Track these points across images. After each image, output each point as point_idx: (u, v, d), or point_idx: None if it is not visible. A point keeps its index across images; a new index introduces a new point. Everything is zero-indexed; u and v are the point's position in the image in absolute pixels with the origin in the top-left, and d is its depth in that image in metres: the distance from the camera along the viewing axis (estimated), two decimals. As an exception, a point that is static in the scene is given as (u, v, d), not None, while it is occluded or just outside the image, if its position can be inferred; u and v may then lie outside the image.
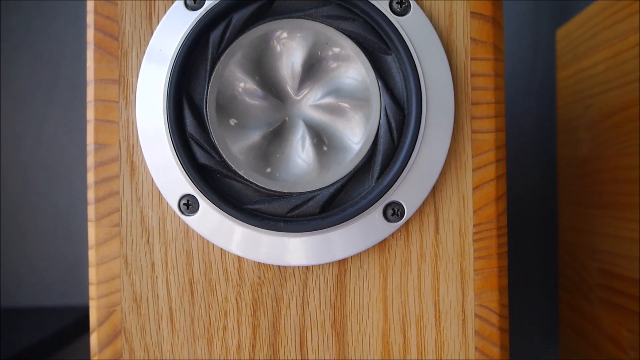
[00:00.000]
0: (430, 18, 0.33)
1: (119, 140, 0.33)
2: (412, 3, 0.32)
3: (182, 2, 0.32)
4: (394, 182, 0.31)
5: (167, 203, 0.33)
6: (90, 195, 0.33)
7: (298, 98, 0.33)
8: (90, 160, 0.33)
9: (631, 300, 0.46)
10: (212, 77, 0.32)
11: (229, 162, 0.32)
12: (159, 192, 0.33)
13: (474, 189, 0.33)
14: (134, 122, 0.33)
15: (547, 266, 0.66)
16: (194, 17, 0.32)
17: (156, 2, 0.33)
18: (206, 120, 0.32)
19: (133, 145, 0.33)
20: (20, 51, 0.70)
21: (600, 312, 0.51)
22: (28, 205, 0.71)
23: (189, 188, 0.32)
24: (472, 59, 0.33)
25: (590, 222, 0.53)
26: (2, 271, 0.71)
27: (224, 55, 0.32)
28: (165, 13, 0.33)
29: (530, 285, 0.67)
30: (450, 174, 0.33)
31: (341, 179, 0.32)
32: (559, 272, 0.61)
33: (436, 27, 0.33)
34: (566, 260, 0.59)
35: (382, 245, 0.33)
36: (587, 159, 0.53)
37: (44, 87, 0.70)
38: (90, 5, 0.33)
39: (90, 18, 0.33)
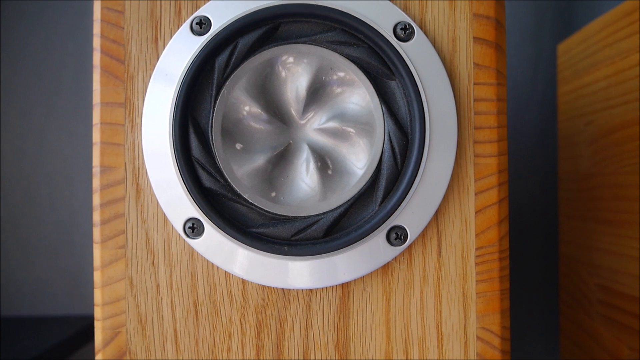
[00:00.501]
0: (434, 43, 0.33)
1: (125, 163, 0.33)
2: (416, 29, 0.32)
3: (188, 27, 0.32)
4: (398, 207, 0.32)
5: (172, 225, 0.33)
6: (96, 217, 0.34)
7: (302, 122, 0.33)
8: (96, 182, 0.34)
9: (632, 318, 0.46)
10: (217, 101, 0.32)
11: (234, 186, 0.32)
12: (164, 214, 0.33)
13: (476, 212, 0.33)
14: (139, 145, 0.33)
15: (548, 278, 0.66)
16: (199, 42, 0.32)
17: (162, 26, 0.33)
18: (211, 144, 0.32)
19: (139, 168, 0.33)
20: (22, 62, 0.70)
21: (600, 327, 0.51)
22: (30, 215, 0.71)
23: (194, 211, 0.32)
24: (475, 83, 0.33)
25: (591, 238, 0.53)
26: (5, 281, 0.71)
27: (230, 80, 0.32)
28: (171, 37, 0.33)
29: (530, 297, 0.67)
30: (453, 198, 0.33)
31: (345, 202, 0.32)
32: (559, 285, 0.61)
33: (439, 52, 0.33)
34: (566, 274, 0.59)
35: (385, 267, 0.33)
36: (587, 175, 0.54)
37: (45, 98, 0.70)
38: (97, 29, 0.34)
39: (96, 41, 0.34)
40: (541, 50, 0.66)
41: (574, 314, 0.57)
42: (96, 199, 0.34)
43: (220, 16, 0.32)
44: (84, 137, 0.70)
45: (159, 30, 0.33)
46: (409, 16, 0.33)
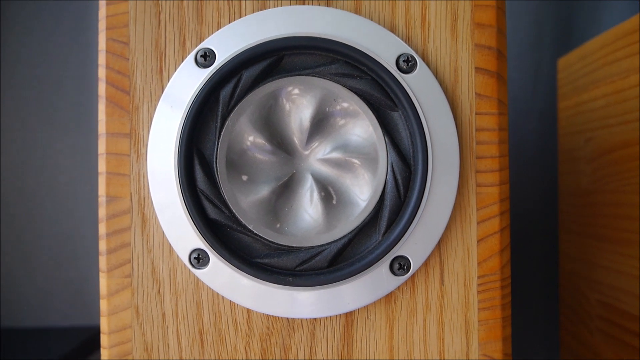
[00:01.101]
0: (436, 73, 0.33)
1: (130, 193, 0.34)
2: (418, 60, 0.33)
3: (193, 59, 0.33)
4: (401, 238, 0.32)
5: (178, 255, 0.33)
6: (102, 246, 0.34)
7: (306, 152, 0.34)
8: (102, 212, 0.34)
9: (632, 336, 0.46)
10: (222, 133, 0.32)
11: (239, 217, 0.32)
12: (170, 244, 0.33)
13: (478, 241, 0.34)
14: (145, 176, 0.34)
15: (549, 291, 0.67)
16: (204, 74, 0.32)
17: (167, 57, 0.34)
18: (216, 175, 0.32)
19: (144, 198, 0.34)
20: (23, 76, 0.70)
21: (601, 343, 0.52)
22: (33, 227, 0.71)
23: (200, 242, 0.32)
24: (476, 113, 0.34)
25: (591, 253, 0.54)
26: (8, 292, 0.71)
27: (234, 112, 0.32)
28: (175, 68, 0.33)
29: (531, 309, 0.68)
30: (456, 227, 0.34)
31: (348, 233, 0.32)
32: (559, 298, 0.62)
33: (442, 83, 0.33)
34: (567, 288, 0.60)
35: (388, 296, 0.34)
36: (588, 191, 0.54)
37: (47, 112, 0.70)
38: (102, 59, 0.34)
39: (101, 72, 0.34)
40: (541, 63, 0.66)
41: (574, 328, 0.58)
42: (102, 229, 0.34)
43: (225, 48, 0.32)
44: (86, 150, 0.70)
45: (163, 61, 0.34)
46: (411, 47, 0.33)
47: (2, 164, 0.70)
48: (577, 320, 0.57)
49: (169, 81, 0.33)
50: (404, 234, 0.32)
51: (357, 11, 0.34)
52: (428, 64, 0.33)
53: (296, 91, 0.33)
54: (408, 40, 0.33)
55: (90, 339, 0.70)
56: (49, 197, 0.71)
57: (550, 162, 0.66)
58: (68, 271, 0.72)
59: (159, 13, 0.34)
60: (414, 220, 0.32)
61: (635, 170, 0.46)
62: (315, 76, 0.32)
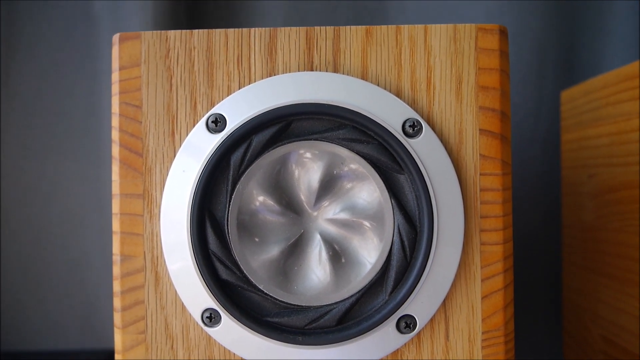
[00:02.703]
0: (441, 135, 0.34)
1: (144, 252, 0.35)
2: (424, 125, 0.33)
3: (204, 124, 0.34)
4: (407, 298, 0.33)
5: (190, 313, 0.34)
6: (117, 303, 0.35)
7: (315, 213, 0.35)
8: (117, 270, 0.35)
9: (633, 375, 0.47)
10: (233, 196, 0.33)
11: (250, 278, 0.33)
12: (182, 302, 0.34)
13: (482, 298, 0.35)
14: (158, 235, 0.35)
15: (552, 323, 0.67)
16: (215, 140, 0.33)
17: (178, 120, 0.35)
18: (227, 237, 0.33)
19: (157, 257, 0.35)
20: (34, 105, 0.71)
21: (603, 378, 0.52)
22: (42, 255, 0.72)
23: (211, 302, 0.33)
24: (481, 174, 0.34)
25: (594, 288, 0.55)
26: (16, 319, 0.73)
27: (244, 175, 0.33)
28: (187, 131, 0.34)
29: (534, 339, 0.69)
30: (460, 284, 0.35)
31: (356, 292, 0.33)
32: (563, 328, 0.63)
33: (447, 144, 0.34)
34: (570, 320, 0.61)
35: (395, 352, 0.34)
36: (591, 227, 0.55)
37: (57, 142, 0.71)
38: (115, 122, 0.35)
39: (115, 134, 0.35)
40: (543, 95, 0.67)
41: (578, 358, 0.59)
42: (117, 286, 0.35)
43: (235, 114, 0.33)
44: (95, 180, 0.71)
45: (175, 124, 0.35)
46: (417, 110, 0.34)
47: (10, 191, 0.71)
48: (580, 352, 0.58)
49: (181, 144, 0.34)
50: (410, 294, 0.33)
51: (364, 75, 0.34)
52: (433, 127, 0.34)
53: (305, 155, 0.34)
54: (414, 103, 0.34)
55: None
56: (58, 224, 0.72)
57: (555, 191, 0.66)
58: (77, 296, 0.73)
59: (171, 77, 0.35)
60: (420, 281, 0.33)
61: (636, 212, 0.47)
62: (324, 141, 0.33)
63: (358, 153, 0.33)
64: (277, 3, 0.70)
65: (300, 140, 0.33)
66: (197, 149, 0.34)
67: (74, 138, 0.72)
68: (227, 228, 0.33)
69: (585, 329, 0.56)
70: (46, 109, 0.71)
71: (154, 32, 0.35)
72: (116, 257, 0.35)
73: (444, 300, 0.34)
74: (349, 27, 0.35)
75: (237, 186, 0.33)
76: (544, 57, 0.68)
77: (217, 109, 0.34)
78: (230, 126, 0.33)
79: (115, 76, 0.35)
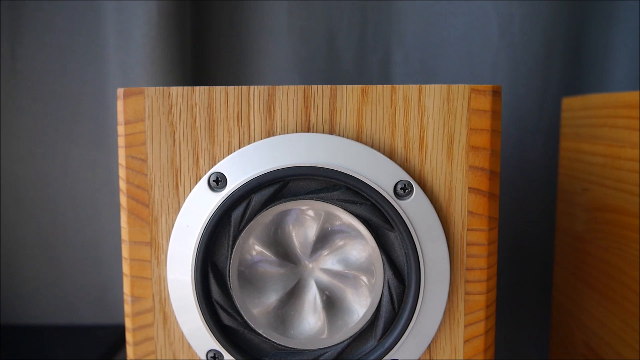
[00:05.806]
0: (432, 193, 0.36)
1: (152, 294, 0.38)
2: (415, 186, 0.35)
3: (206, 183, 0.35)
4: (395, 345, 0.36)
5: (196, 352, 0.37)
6: (129, 338, 0.38)
7: (310, 265, 0.37)
8: (128, 309, 0.38)
9: (609, 386, 0.51)
10: (234, 250, 0.36)
11: (250, 323, 0.36)
12: (189, 342, 0.37)
13: (465, 342, 0.37)
14: (165, 279, 0.37)
15: (541, 319, 0.71)
16: (217, 198, 0.35)
17: (182, 174, 0.36)
18: (229, 286, 0.36)
19: (165, 299, 0.38)
20: (42, 92, 0.72)
21: (583, 380, 0.56)
22: (57, 236, 0.76)
23: (215, 345, 0.36)
24: (468, 229, 0.36)
25: (580, 296, 0.57)
26: (39, 294, 0.77)
27: (245, 231, 0.35)
28: (190, 184, 0.36)
29: (523, 334, 0.72)
30: (445, 329, 0.37)
31: (348, 338, 0.36)
32: (551, 327, 0.66)
33: (436, 202, 0.36)
34: (558, 320, 0.64)
35: (383, 388, 0.38)
36: (581, 238, 0.57)
37: (67, 127, 0.73)
38: (122, 173, 0.37)
39: (122, 185, 0.37)
40: (546, 100, 0.67)
41: (563, 358, 0.62)
42: (128, 323, 0.38)
43: (235, 174, 0.35)
44: (104, 164, 0.74)
45: (179, 177, 0.37)
46: (409, 168, 0.36)
47: (25, 175, 0.74)
48: (565, 354, 0.61)
49: (185, 196, 0.36)
50: (398, 342, 0.36)
51: (358, 134, 0.36)
52: (424, 185, 0.36)
53: (301, 213, 0.36)
54: (406, 162, 0.36)
55: (117, 337, 0.76)
56: (72, 209, 0.75)
57: (553, 191, 0.68)
58: (91, 274, 0.78)
59: (174, 132, 0.36)
60: (407, 331, 0.36)
61: (623, 237, 0.48)
62: (319, 200, 0.35)
63: (352, 213, 0.35)
64: (279, 3, 0.69)
65: (297, 199, 0.35)
66: (200, 205, 0.36)
67: (83, 124, 0.74)
68: (229, 278, 0.36)
69: (570, 332, 0.60)
70: (55, 95, 0.73)
71: (157, 88, 0.36)
72: (127, 297, 0.38)
73: (429, 344, 0.37)
74: (345, 86, 0.36)
75: (238, 241, 0.35)
76: (552, 49, 0.67)
77: (218, 168, 0.35)
78: (231, 185, 0.35)
79: (121, 129, 0.37)
